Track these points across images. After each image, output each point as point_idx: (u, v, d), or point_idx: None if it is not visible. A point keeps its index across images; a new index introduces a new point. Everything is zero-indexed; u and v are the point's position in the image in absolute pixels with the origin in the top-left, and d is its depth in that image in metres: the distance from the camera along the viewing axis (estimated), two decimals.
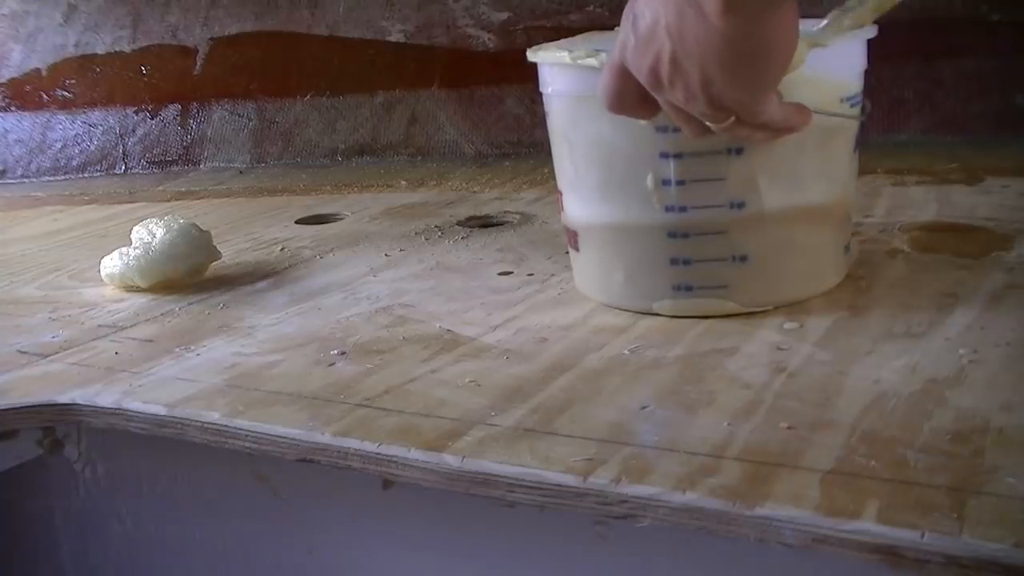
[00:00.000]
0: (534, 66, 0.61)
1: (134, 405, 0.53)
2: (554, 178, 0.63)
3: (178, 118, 1.35)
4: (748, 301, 0.57)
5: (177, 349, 0.61)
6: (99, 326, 0.67)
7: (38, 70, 1.40)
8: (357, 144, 1.28)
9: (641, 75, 0.49)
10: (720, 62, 0.46)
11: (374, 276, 0.74)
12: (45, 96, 1.41)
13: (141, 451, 0.59)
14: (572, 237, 0.62)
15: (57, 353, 0.62)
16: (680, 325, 0.57)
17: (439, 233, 0.85)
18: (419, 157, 1.24)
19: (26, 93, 1.41)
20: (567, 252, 0.65)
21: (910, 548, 0.34)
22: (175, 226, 0.76)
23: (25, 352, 0.63)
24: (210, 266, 0.77)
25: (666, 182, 0.55)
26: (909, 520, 0.35)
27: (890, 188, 0.85)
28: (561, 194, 0.62)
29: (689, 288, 0.57)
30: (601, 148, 0.57)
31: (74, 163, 1.39)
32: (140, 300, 0.72)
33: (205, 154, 1.34)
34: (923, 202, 0.80)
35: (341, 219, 0.96)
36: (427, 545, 0.53)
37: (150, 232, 0.76)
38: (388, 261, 0.78)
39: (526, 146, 1.16)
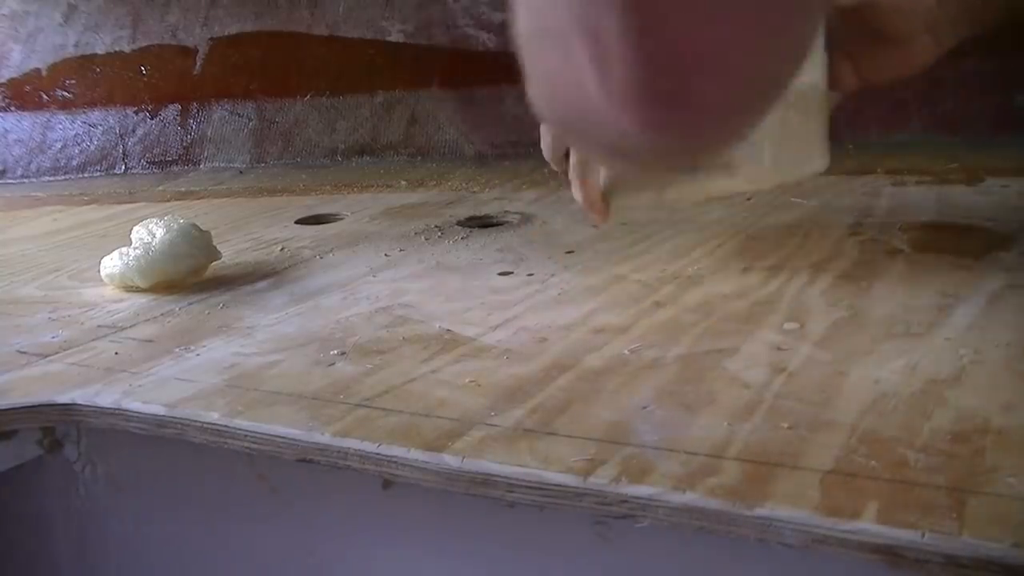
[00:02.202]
0: None
1: (134, 405, 0.53)
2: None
3: (178, 118, 1.35)
4: (753, 178, 0.59)
5: (177, 349, 0.61)
6: (99, 326, 0.67)
7: (38, 70, 1.40)
8: (357, 144, 1.28)
9: None
10: None
11: (374, 276, 0.74)
12: (45, 96, 1.41)
13: (141, 451, 0.59)
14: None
15: (57, 353, 0.62)
16: (680, 325, 0.57)
17: (439, 233, 0.85)
18: (419, 157, 1.24)
19: (26, 93, 1.41)
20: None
21: (910, 548, 0.34)
22: (175, 226, 0.76)
23: (25, 352, 0.63)
24: (210, 266, 0.77)
25: None
26: (909, 520, 0.35)
27: (890, 188, 0.85)
28: None
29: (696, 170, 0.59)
30: None
31: (74, 163, 1.39)
32: (140, 300, 0.72)
33: (205, 154, 1.34)
34: (923, 202, 0.80)
35: (341, 219, 0.96)
36: (427, 545, 0.53)
37: (150, 232, 0.76)
38: (388, 261, 0.78)
39: (526, 146, 1.16)
